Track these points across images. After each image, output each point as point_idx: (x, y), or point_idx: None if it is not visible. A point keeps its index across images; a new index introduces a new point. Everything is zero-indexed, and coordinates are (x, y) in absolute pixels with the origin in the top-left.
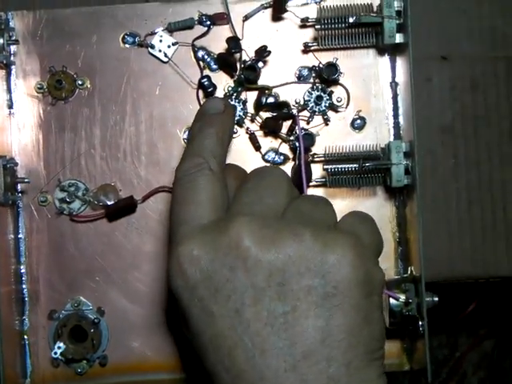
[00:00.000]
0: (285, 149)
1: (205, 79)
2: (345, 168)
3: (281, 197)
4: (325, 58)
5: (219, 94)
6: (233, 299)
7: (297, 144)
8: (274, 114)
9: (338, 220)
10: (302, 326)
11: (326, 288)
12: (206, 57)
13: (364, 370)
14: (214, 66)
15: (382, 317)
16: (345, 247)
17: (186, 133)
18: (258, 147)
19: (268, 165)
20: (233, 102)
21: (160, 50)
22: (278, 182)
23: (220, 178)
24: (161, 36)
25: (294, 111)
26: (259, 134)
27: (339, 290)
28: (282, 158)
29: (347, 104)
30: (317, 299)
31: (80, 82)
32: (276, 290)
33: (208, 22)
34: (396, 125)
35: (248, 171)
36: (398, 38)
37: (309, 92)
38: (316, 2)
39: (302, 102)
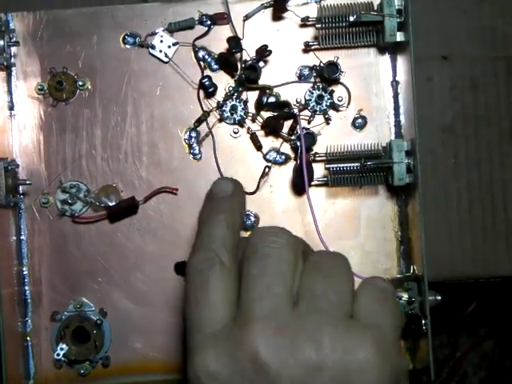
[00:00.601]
0: (286, 148)
1: (206, 79)
2: (346, 167)
3: (290, 277)
4: (325, 57)
5: (220, 93)
6: None
7: (298, 143)
8: (275, 114)
9: (356, 300)
10: None
11: None
12: (206, 57)
13: None
14: (215, 66)
15: None
16: (367, 349)
17: (187, 133)
18: (259, 147)
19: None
20: (234, 102)
21: (160, 51)
22: (284, 255)
23: (232, 270)
24: (161, 36)
25: (295, 111)
26: (260, 133)
27: None
28: (283, 157)
29: (348, 103)
30: None
31: (81, 83)
32: None
33: (208, 22)
34: (397, 123)
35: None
36: (399, 37)
37: (310, 91)
38: (316, 2)
39: (302, 102)
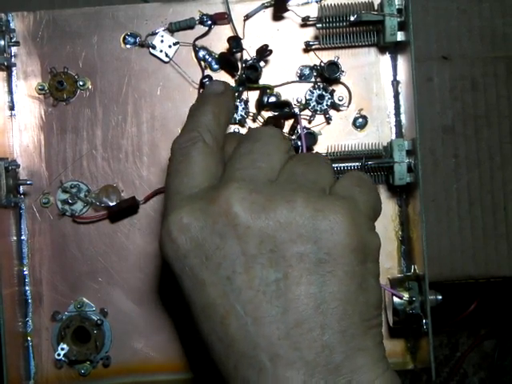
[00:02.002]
0: None
1: (206, 79)
2: (347, 167)
3: (275, 159)
4: (326, 56)
5: None
6: (224, 267)
7: (299, 143)
8: (276, 114)
9: (334, 184)
10: (294, 293)
11: (319, 254)
12: (207, 56)
13: (361, 338)
14: (216, 66)
15: (378, 284)
16: (338, 213)
17: None
18: None
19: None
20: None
21: (161, 50)
22: (273, 144)
23: (215, 150)
24: (162, 36)
25: (296, 110)
26: None
27: (332, 257)
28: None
29: (349, 103)
30: (309, 266)
31: (81, 83)
32: (268, 256)
33: (209, 22)
34: (398, 123)
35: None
36: (400, 36)
37: (310, 91)
38: (317, 1)
39: (303, 101)
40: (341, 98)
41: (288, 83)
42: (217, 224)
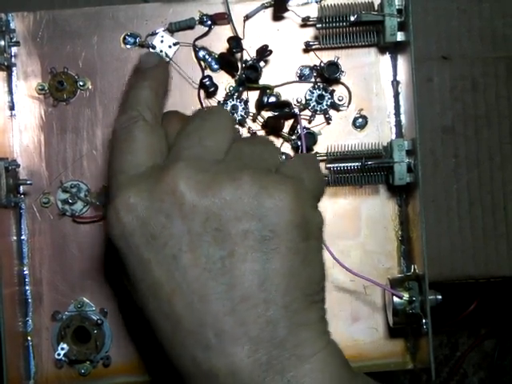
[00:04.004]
0: (287, 148)
1: (206, 79)
2: (347, 167)
3: (222, 139)
4: (326, 56)
5: (221, 93)
6: (169, 246)
7: (299, 143)
8: (276, 114)
9: (281, 164)
10: (239, 270)
11: (263, 232)
12: (207, 57)
13: (304, 312)
14: (216, 66)
15: (321, 261)
16: (282, 191)
17: None
18: None
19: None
20: (234, 102)
21: (161, 51)
22: (220, 123)
23: (155, 128)
24: (162, 36)
25: (296, 110)
26: (261, 133)
27: (276, 234)
28: (283, 157)
29: (349, 103)
30: (254, 243)
31: (81, 83)
32: (213, 234)
33: (209, 22)
34: (398, 123)
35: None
36: (400, 36)
37: (310, 91)
38: (317, 1)
39: (303, 101)
40: (341, 98)
41: (288, 83)
42: (163, 203)
